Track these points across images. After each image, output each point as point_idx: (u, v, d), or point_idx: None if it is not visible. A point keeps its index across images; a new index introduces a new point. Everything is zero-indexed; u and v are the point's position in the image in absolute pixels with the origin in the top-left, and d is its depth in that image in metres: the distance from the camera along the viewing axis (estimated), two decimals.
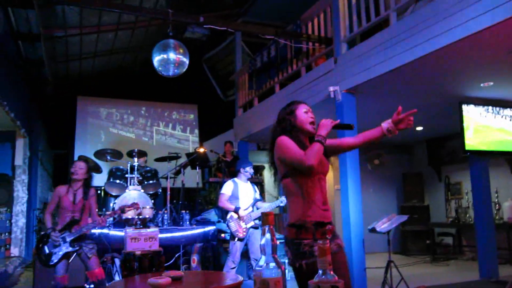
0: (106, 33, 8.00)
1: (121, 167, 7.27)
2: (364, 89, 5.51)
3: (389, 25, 4.91)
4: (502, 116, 6.30)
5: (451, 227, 8.98)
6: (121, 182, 7.03)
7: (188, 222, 6.80)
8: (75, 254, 4.42)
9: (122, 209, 4.95)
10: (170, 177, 7.54)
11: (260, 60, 7.81)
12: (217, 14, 8.68)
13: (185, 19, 5.58)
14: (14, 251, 8.64)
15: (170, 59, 5.42)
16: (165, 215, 6.80)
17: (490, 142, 6.24)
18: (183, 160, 7.86)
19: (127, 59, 10.08)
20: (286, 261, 6.70)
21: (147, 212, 6.23)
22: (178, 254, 6.46)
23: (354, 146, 2.64)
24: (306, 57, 6.67)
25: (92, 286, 4.61)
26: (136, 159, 7.16)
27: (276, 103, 7.31)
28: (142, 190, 6.79)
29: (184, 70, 5.65)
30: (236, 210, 5.36)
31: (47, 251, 4.32)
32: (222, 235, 6.51)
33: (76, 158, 8.48)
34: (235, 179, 5.62)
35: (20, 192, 8.95)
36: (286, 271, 6.39)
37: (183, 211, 6.95)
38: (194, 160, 7.64)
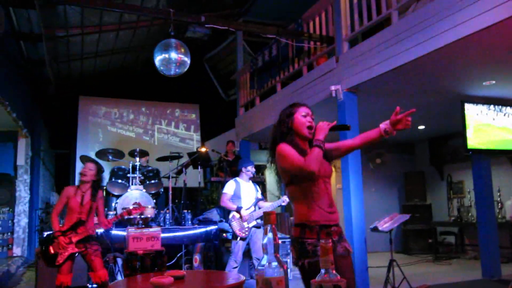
0: (108, 33, 8.00)
1: (123, 166, 7.27)
2: (366, 88, 5.50)
3: (391, 24, 4.90)
4: (504, 114, 6.29)
5: (453, 226, 8.97)
6: (123, 181, 7.03)
7: (190, 222, 6.80)
8: (79, 254, 4.43)
9: (129, 212, 4.96)
10: (172, 177, 7.54)
11: (262, 59, 7.81)
12: (218, 14, 8.68)
13: (186, 18, 5.57)
14: (17, 251, 8.66)
15: (171, 59, 5.42)
16: (167, 215, 6.80)
17: (492, 141, 6.22)
18: (185, 159, 7.86)
19: (128, 59, 10.08)
20: (288, 260, 6.67)
21: (149, 212, 6.23)
22: (180, 253, 6.47)
23: (354, 148, 2.64)
24: (307, 56, 6.66)
25: (95, 286, 4.61)
26: (138, 159, 7.17)
27: (278, 102, 7.30)
28: (144, 190, 6.80)
29: (186, 69, 5.65)
30: (238, 210, 5.36)
31: (52, 251, 4.32)
32: (224, 234, 6.51)
33: (78, 158, 8.48)
34: (237, 178, 5.62)
35: (22, 192, 8.97)
36: (288, 270, 6.39)
37: (185, 211, 6.96)
38: (196, 159, 7.64)
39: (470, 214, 8.55)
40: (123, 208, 6.33)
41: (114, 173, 7.10)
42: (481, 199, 6.58)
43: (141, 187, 6.83)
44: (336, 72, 5.74)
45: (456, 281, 6.29)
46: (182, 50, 5.48)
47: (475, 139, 6.03)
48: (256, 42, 9.33)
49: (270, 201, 6.01)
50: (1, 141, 9.26)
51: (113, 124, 11.01)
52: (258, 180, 7.86)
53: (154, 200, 6.89)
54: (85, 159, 7.47)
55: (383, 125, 2.46)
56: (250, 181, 5.66)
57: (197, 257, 6.48)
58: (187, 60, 5.56)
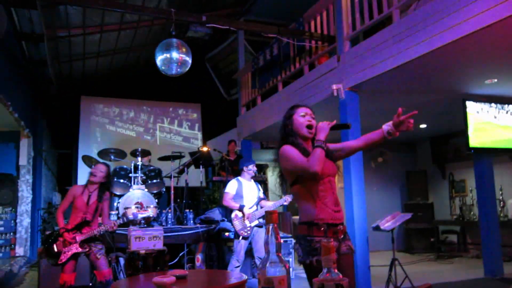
0: (109, 33, 8.01)
1: (124, 166, 7.28)
2: (367, 87, 5.50)
3: (392, 23, 4.89)
4: (507, 112, 6.28)
5: (455, 225, 8.96)
6: (125, 181, 7.05)
7: (192, 221, 6.81)
8: (83, 254, 4.45)
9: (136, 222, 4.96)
10: (174, 176, 7.56)
11: (263, 58, 7.81)
12: (219, 13, 8.68)
13: (187, 18, 5.56)
14: (19, 250, 8.68)
15: (173, 58, 5.43)
16: (169, 214, 6.81)
17: (494, 139, 6.21)
18: (186, 159, 7.87)
19: (130, 58, 10.09)
20: (291, 259, 6.66)
21: (151, 211, 6.24)
22: (182, 253, 6.47)
23: (357, 149, 2.67)
24: (309, 55, 6.66)
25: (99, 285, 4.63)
26: (139, 158, 7.18)
27: (279, 101, 7.30)
28: (146, 190, 6.81)
29: (187, 69, 5.65)
30: (241, 209, 5.36)
31: (56, 249, 4.34)
32: (226, 233, 6.51)
33: (80, 158, 8.50)
34: (239, 177, 5.62)
35: (25, 192, 8.99)
36: (290, 269, 6.39)
37: (187, 210, 6.97)
38: (198, 159, 7.65)
39: (472, 213, 8.54)
40: (125, 208, 6.37)
41: (116, 173, 7.11)
42: (483, 198, 6.57)
43: (143, 186, 6.84)
44: (338, 71, 5.74)
45: (458, 279, 6.28)
46: (184, 49, 5.48)
47: (477, 137, 6.02)
48: (257, 42, 9.32)
49: (272, 200, 6.02)
50: (3, 141, 9.28)
51: (115, 124, 11.02)
52: (260, 179, 7.85)
53: (156, 200, 6.90)
54: (87, 159, 7.49)
55: (386, 127, 2.48)
56: (252, 180, 5.66)
57: (199, 257, 6.49)
58: (189, 60, 5.56)
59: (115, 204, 6.94)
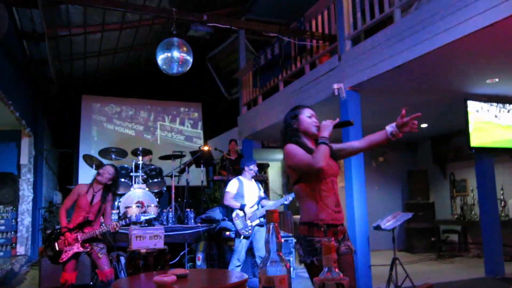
0: (110, 32, 8.01)
1: (125, 165, 7.28)
2: (368, 86, 5.49)
3: (394, 22, 4.89)
4: (508, 111, 6.27)
5: (456, 224, 8.96)
6: (126, 180, 7.05)
7: (192, 220, 6.81)
8: (84, 253, 4.45)
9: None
10: (175, 176, 7.56)
11: (264, 58, 7.81)
12: (220, 12, 8.68)
13: (188, 17, 5.56)
14: (20, 249, 8.68)
15: (174, 58, 5.43)
16: (170, 213, 6.82)
17: (495, 139, 6.20)
18: (187, 158, 7.87)
19: (131, 58, 10.09)
20: (291, 258, 6.65)
21: (152, 211, 6.25)
22: (183, 252, 6.47)
23: (359, 150, 2.68)
24: (310, 54, 6.66)
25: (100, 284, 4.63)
26: (140, 158, 7.18)
27: (280, 100, 7.30)
28: (147, 189, 6.81)
29: (188, 68, 5.65)
30: (242, 208, 5.36)
31: (57, 248, 4.34)
32: (227, 233, 6.51)
33: (81, 157, 8.51)
34: (240, 177, 5.62)
35: (26, 191, 9.00)
36: (291, 268, 6.39)
37: (188, 209, 6.97)
38: (199, 158, 7.65)
39: (473, 212, 8.53)
40: (125, 207, 6.37)
41: None
42: (484, 197, 6.56)
43: (144, 185, 6.85)
44: (339, 71, 5.73)
45: (459, 279, 6.27)
46: (185, 48, 5.48)
47: (478, 137, 6.01)
48: (258, 41, 9.32)
49: (272, 200, 6.02)
50: (4, 140, 9.29)
51: (116, 123, 11.03)
52: (261, 178, 7.85)
53: (157, 199, 6.91)
54: (88, 158, 7.50)
55: (390, 128, 2.49)
56: (253, 180, 5.67)
57: (200, 256, 6.49)
58: (190, 59, 5.57)
59: (116, 203, 6.94)
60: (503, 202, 8.04)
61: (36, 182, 9.38)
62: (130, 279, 3.80)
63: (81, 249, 4.36)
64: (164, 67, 5.54)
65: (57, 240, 4.36)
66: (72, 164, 11.11)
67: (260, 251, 5.38)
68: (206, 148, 7.99)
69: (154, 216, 6.20)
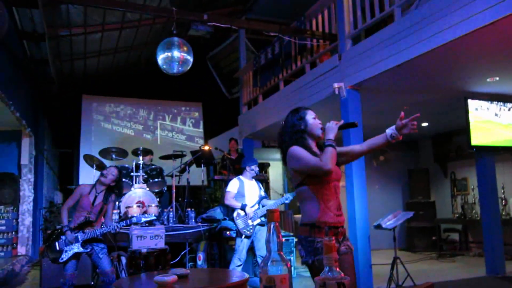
0: (110, 31, 8.01)
1: (126, 165, 7.27)
2: (369, 85, 5.49)
3: (394, 21, 4.88)
4: (509, 110, 6.26)
5: (457, 223, 8.95)
6: (127, 180, 7.04)
7: (193, 220, 6.81)
8: (85, 254, 4.45)
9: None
10: (175, 175, 7.55)
11: (264, 57, 7.80)
12: (220, 12, 8.67)
13: (188, 17, 5.56)
14: (21, 249, 8.69)
15: (174, 57, 5.42)
16: (171, 213, 6.81)
17: (496, 138, 6.20)
18: (188, 158, 7.87)
19: (131, 57, 10.10)
20: (292, 258, 6.65)
21: (153, 210, 6.24)
22: (184, 251, 6.47)
23: (360, 154, 2.68)
24: (310, 53, 6.65)
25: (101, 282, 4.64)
26: (141, 157, 7.17)
27: (281, 100, 7.29)
28: (148, 188, 6.81)
29: (189, 68, 5.64)
30: (243, 208, 5.36)
31: (57, 247, 4.34)
32: (228, 232, 6.51)
33: (81, 157, 8.51)
34: (240, 176, 5.62)
35: (26, 191, 9.00)
36: (292, 268, 6.39)
37: (189, 209, 6.96)
38: (199, 158, 7.65)
39: (474, 211, 8.52)
40: (126, 207, 6.37)
41: None
42: (485, 196, 6.56)
43: (144, 185, 6.84)
44: (339, 70, 5.73)
45: (460, 278, 6.27)
46: (185, 48, 5.48)
47: (479, 136, 6.00)
48: (258, 40, 9.32)
49: (273, 199, 6.01)
50: (5, 141, 9.29)
51: (116, 123, 11.03)
52: (262, 178, 7.85)
53: (158, 199, 6.90)
54: (89, 158, 7.49)
55: (389, 131, 2.51)
56: (253, 179, 5.66)
57: (200, 255, 6.49)
58: (190, 59, 5.56)
59: (117, 203, 6.94)
60: (504, 200, 8.04)
61: (36, 182, 9.38)
62: (131, 279, 3.79)
63: (82, 250, 4.36)
64: (164, 66, 5.53)
65: (58, 240, 4.36)
66: (72, 164, 11.11)
67: (261, 250, 5.38)
68: (206, 147, 7.99)
69: (155, 217, 6.20)
